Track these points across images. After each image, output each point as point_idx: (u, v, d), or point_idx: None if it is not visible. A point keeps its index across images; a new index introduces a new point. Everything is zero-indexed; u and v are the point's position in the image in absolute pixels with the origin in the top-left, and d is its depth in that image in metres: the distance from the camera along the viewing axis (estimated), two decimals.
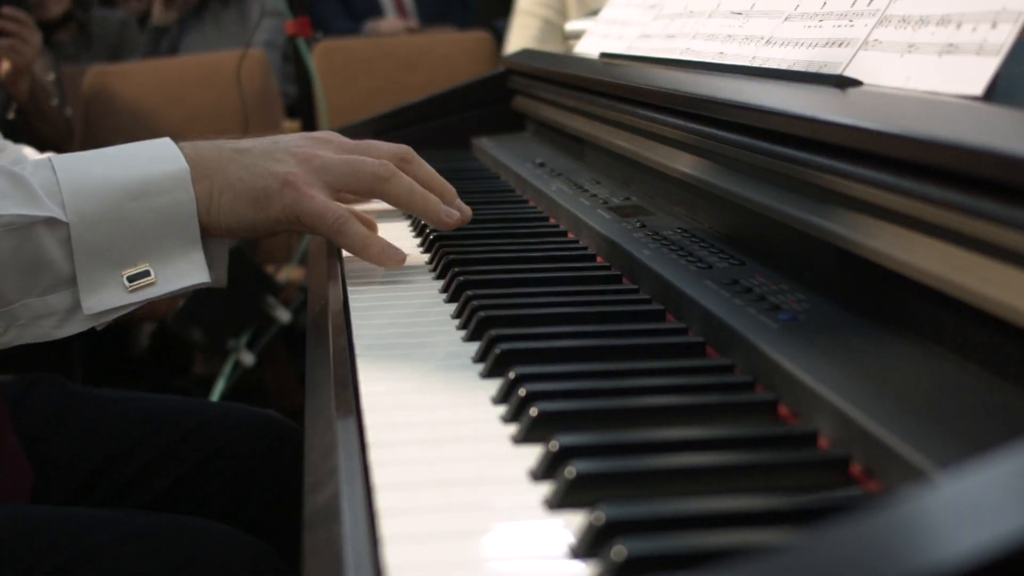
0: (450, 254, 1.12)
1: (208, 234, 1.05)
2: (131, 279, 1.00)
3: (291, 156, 1.07)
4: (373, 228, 1.20)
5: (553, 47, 2.93)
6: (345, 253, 1.18)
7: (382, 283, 1.09)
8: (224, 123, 3.52)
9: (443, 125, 1.90)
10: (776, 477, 0.64)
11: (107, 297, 0.99)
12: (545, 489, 0.64)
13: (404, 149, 1.14)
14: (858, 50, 0.98)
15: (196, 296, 2.55)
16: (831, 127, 0.83)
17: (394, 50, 4.07)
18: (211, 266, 1.06)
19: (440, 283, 1.08)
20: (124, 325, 3.39)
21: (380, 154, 1.11)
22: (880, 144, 0.76)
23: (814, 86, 0.99)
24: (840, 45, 1.01)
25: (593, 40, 1.77)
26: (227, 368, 2.70)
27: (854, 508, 0.56)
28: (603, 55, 1.62)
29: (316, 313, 1.08)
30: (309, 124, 2.66)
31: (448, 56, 4.00)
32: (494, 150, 1.71)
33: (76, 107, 3.51)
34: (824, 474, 0.64)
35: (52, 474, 1.29)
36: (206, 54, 3.99)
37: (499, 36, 4.05)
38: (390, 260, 1.10)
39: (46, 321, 0.99)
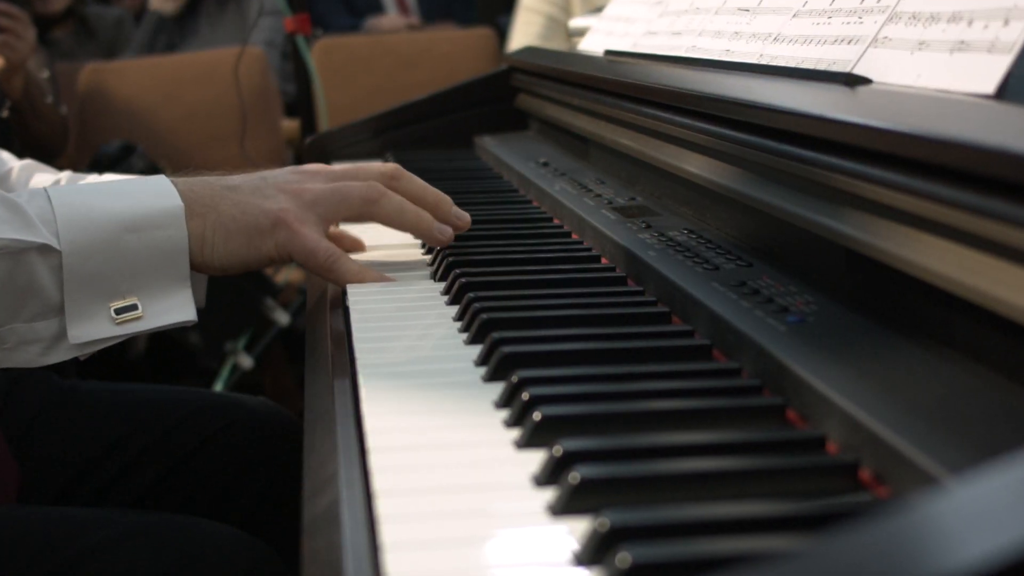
0: (452, 255, 1.12)
1: (200, 272, 1.07)
2: (118, 311, 1.02)
3: (281, 192, 1.08)
4: (361, 247, 1.23)
5: (557, 44, 2.94)
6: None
7: (383, 286, 1.09)
8: (222, 122, 3.52)
9: (445, 124, 1.90)
10: (784, 482, 0.64)
11: (93, 328, 1.01)
12: (548, 495, 0.64)
13: (392, 167, 1.15)
14: (867, 47, 0.98)
15: None
16: (840, 126, 0.83)
17: (395, 47, 4.07)
18: (193, 290, 1.08)
19: (442, 285, 1.08)
20: None
21: (368, 176, 1.13)
22: (890, 143, 0.76)
23: (823, 84, 0.99)
24: (849, 42, 1.01)
25: (598, 37, 1.77)
26: (225, 371, 2.71)
27: (863, 514, 0.56)
28: (608, 52, 1.62)
29: (315, 316, 1.08)
30: (308, 123, 2.66)
31: (450, 54, 4.00)
32: (497, 149, 1.71)
33: (71, 105, 3.51)
34: (833, 479, 0.64)
35: (39, 472, 1.30)
36: (203, 51, 3.99)
37: (502, 33, 4.05)
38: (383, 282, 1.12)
39: (32, 347, 1.01)
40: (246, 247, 1.05)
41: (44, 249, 0.98)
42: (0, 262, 0.97)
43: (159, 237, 1.02)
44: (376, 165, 1.16)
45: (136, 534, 1.09)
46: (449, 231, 1.15)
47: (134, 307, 1.02)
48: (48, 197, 1.01)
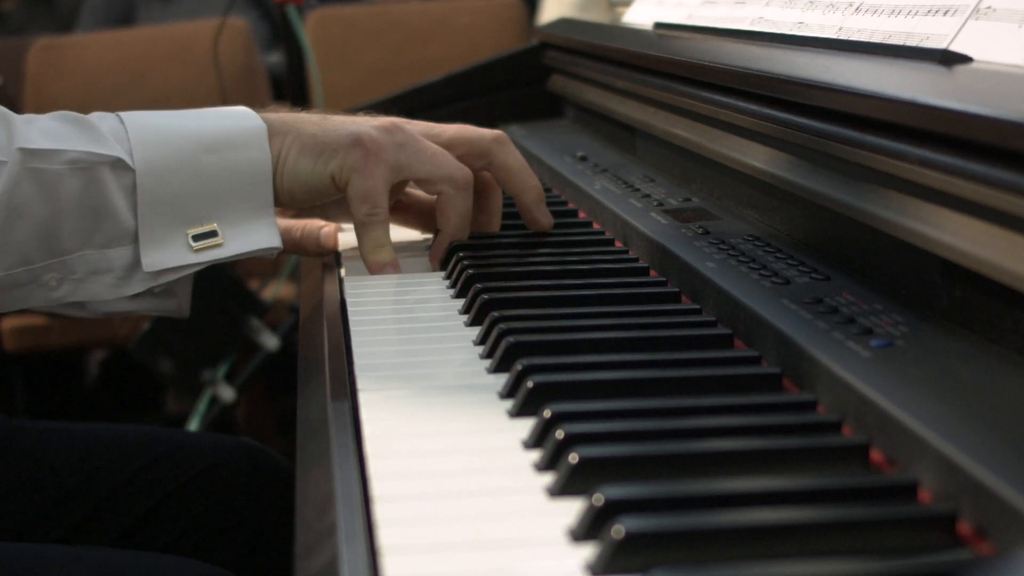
0: (472, 267, 1.12)
1: (277, 202, 1.14)
2: (196, 238, 1.09)
3: (372, 124, 1.16)
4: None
5: (597, 16, 2.94)
6: (344, 264, 1.20)
7: (390, 302, 1.10)
8: (198, 106, 3.52)
9: (464, 110, 1.90)
10: (868, 537, 0.64)
11: (170, 255, 1.08)
12: (588, 552, 0.64)
13: (499, 134, 1.23)
14: (967, 19, 0.98)
15: (164, 318, 2.56)
16: (934, 112, 0.83)
17: (404, 19, 4.08)
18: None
19: (460, 302, 1.09)
20: (72, 352, 3.40)
21: (473, 136, 1.21)
22: (994, 133, 0.76)
23: (914, 63, 0.99)
24: (945, 13, 1.01)
25: (646, 7, 1.78)
26: (202, 405, 2.71)
27: (962, 574, 0.56)
28: (658, 25, 1.62)
29: (309, 338, 1.09)
30: (301, 108, 2.67)
31: (470, 26, 4.01)
32: (526, 140, 1.71)
33: (19, 88, 3.53)
34: (926, 533, 0.64)
35: None
36: (177, 24, 4.01)
37: (532, 2, 4.06)
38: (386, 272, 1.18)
39: (104, 277, 1.08)
40: (313, 163, 1.13)
41: (117, 165, 1.05)
42: (72, 178, 1.04)
43: (239, 158, 1.10)
44: (482, 129, 1.23)
45: (104, 574, 1.11)
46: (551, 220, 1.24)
47: (214, 233, 1.09)
48: (119, 118, 1.09)
